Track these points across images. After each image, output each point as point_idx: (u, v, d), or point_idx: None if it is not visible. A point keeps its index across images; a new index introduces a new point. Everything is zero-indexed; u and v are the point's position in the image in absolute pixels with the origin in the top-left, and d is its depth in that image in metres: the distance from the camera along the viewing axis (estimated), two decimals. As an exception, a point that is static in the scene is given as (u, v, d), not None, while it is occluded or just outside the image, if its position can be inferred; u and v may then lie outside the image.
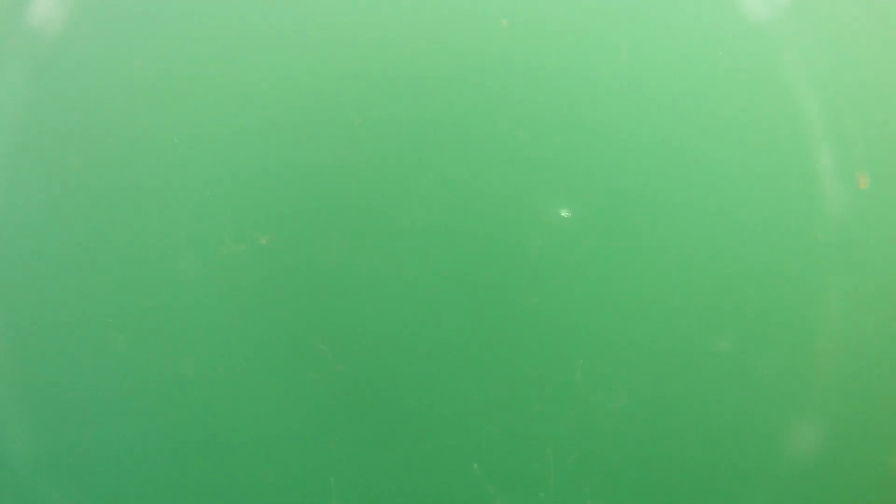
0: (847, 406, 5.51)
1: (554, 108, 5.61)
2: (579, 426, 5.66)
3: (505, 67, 5.64)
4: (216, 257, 5.56)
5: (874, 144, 5.41)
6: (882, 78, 5.47)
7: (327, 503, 5.67)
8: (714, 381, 5.60)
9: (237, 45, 5.54)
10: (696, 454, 5.62)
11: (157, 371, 5.46)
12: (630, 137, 5.58)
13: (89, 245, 5.47)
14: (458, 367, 5.67)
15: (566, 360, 5.70)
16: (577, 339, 5.71)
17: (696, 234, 5.66)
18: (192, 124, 5.53)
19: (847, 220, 5.43)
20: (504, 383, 5.64)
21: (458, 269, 5.67)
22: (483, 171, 5.69)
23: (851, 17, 5.42)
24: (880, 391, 5.54)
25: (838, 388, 5.49)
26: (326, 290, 5.67)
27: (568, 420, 5.66)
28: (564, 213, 4.72)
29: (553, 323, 5.68)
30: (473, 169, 5.67)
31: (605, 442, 5.63)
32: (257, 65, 5.56)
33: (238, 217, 5.55)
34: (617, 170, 5.61)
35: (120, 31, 5.45)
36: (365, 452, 5.67)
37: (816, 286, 5.56)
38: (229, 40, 5.55)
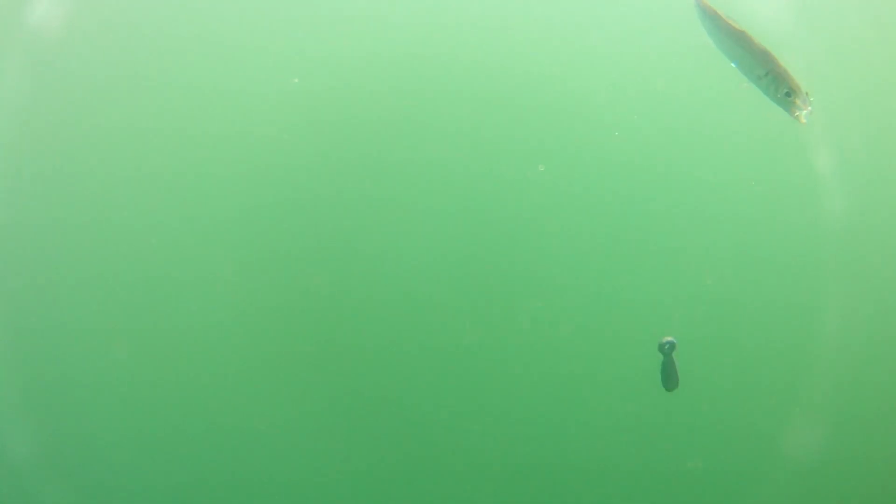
0: (847, 406, 5.51)
1: (554, 112, 5.61)
2: (579, 424, 5.65)
3: (507, 71, 5.63)
4: (217, 257, 5.54)
5: (874, 144, 5.41)
6: (882, 78, 5.47)
7: (327, 500, 5.65)
8: (713, 381, 5.60)
9: (238, 44, 5.53)
10: (696, 454, 5.61)
11: (157, 372, 5.45)
12: (630, 138, 5.58)
13: (90, 245, 5.45)
14: (459, 367, 5.66)
15: (566, 359, 5.69)
16: (577, 337, 5.70)
17: (696, 234, 5.65)
18: (191, 124, 5.52)
19: (847, 221, 5.43)
20: (504, 384, 5.63)
21: (458, 268, 5.67)
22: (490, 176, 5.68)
23: (851, 19, 5.42)
24: (880, 391, 5.54)
25: (838, 388, 5.48)
26: (326, 287, 5.66)
27: (568, 419, 5.65)
28: (540, 167, 4.74)
29: (552, 323, 5.68)
30: (475, 174, 5.67)
31: (605, 441, 5.62)
32: (259, 63, 5.54)
33: (238, 217, 5.53)
34: (617, 170, 5.61)
35: (119, 32, 5.44)
36: (366, 449, 5.65)
37: (816, 286, 5.56)
38: (230, 40, 5.53)
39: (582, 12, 5.59)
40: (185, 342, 5.55)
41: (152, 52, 5.48)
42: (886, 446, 5.55)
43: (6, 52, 5.26)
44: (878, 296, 5.56)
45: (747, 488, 5.57)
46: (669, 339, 4.13)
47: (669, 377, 4.21)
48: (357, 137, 5.59)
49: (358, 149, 5.60)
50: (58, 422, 5.42)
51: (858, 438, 5.52)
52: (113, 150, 5.46)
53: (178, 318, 5.55)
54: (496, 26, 5.54)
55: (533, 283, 5.66)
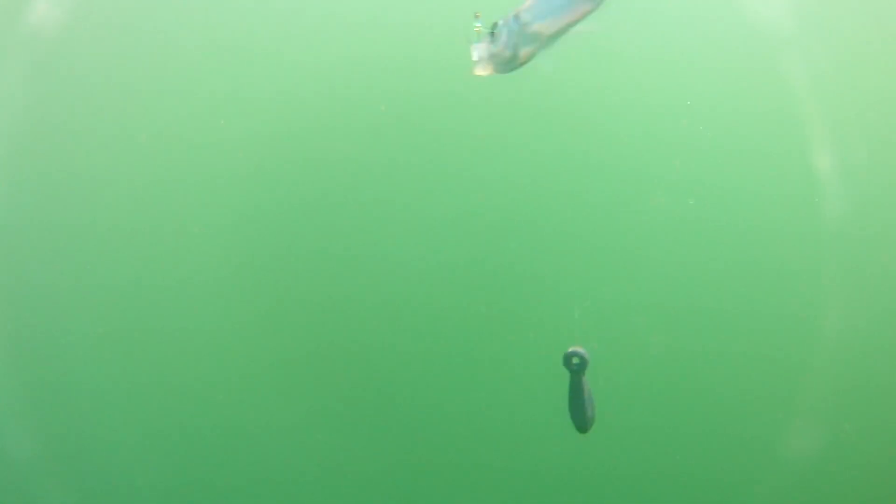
0: (847, 406, 5.50)
1: (559, 115, 5.59)
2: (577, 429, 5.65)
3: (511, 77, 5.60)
4: (217, 258, 5.55)
5: (874, 145, 5.39)
6: (882, 79, 5.45)
7: (327, 502, 5.67)
8: (713, 381, 5.60)
9: (238, 45, 5.53)
10: (696, 454, 5.61)
11: (157, 372, 5.46)
12: (631, 139, 5.57)
13: (89, 245, 5.47)
14: (461, 369, 5.66)
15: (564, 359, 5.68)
16: (577, 337, 5.69)
17: (696, 234, 5.64)
18: (192, 123, 5.52)
19: (847, 220, 5.41)
20: (506, 385, 5.63)
21: (459, 268, 5.66)
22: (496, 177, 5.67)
23: (852, 20, 5.40)
24: (880, 391, 5.53)
25: (838, 389, 5.48)
26: (328, 288, 5.66)
27: (566, 419, 5.65)
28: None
29: (553, 323, 5.68)
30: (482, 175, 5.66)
31: (605, 442, 5.62)
32: (260, 64, 5.54)
33: (239, 218, 5.54)
34: (617, 171, 5.60)
35: (119, 32, 5.44)
36: (367, 449, 5.67)
37: (816, 286, 5.54)
38: (230, 40, 5.53)
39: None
40: (187, 343, 5.56)
41: (154, 54, 5.49)
42: (887, 450, 5.55)
43: (6, 53, 5.27)
44: (879, 299, 5.55)
45: (747, 493, 5.57)
46: (578, 349, 2.71)
47: (579, 408, 2.72)
48: (359, 140, 5.60)
49: (360, 151, 5.60)
50: (59, 424, 5.44)
51: (860, 443, 5.51)
52: (114, 153, 5.47)
53: (180, 319, 5.57)
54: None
55: (529, 287, 5.66)
